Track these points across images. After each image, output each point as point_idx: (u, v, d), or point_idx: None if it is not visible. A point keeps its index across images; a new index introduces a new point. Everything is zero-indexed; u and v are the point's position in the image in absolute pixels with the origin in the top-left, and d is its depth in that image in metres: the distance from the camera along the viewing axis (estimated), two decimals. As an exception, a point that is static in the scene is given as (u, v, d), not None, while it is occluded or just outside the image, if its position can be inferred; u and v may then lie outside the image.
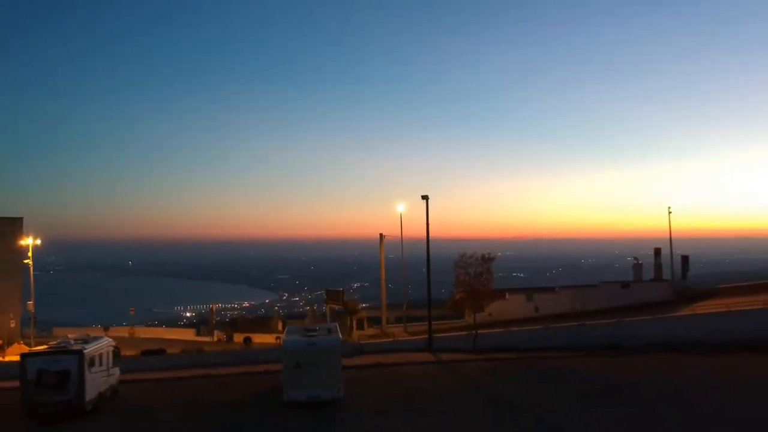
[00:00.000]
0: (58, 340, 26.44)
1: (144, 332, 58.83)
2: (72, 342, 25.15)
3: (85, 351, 23.68)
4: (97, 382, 24.52)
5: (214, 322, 50.34)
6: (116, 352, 27.68)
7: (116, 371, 27.48)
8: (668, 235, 53.70)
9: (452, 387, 27.60)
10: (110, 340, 27.57)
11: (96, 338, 26.73)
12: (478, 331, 35.29)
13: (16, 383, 28.02)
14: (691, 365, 30.71)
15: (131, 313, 62.58)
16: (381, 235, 45.22)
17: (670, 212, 51.93)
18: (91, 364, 24.05)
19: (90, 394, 23.65)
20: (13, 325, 52.31)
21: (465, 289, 37.36)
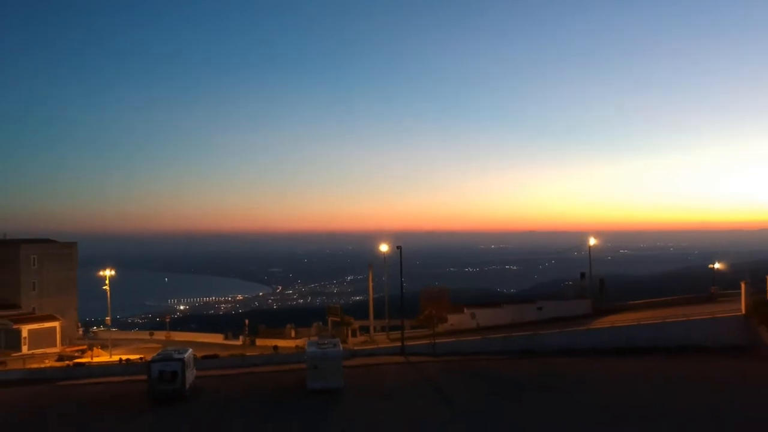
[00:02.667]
0: (162, 350, 42.63)
1: (179, 336, 74.42)
2: (174, 352, 41.28)
3: (184, 358, 39.84)
4: (189, 377, 40.65)
5: (247, 331, 66.03)
6: (194, 357, 43.82)
7: (194, 370, 43.55)
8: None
9: (414, 380, 43.95)
10: (191, 350, 43.65)
11: (184, 350, 42.81)
12: (437, 340, 51.65)
13: (119, 378, 44.35)
14: (575, 366, 47.11)
15: (167, 320, 78.10)
16: (370, 265, 61.37)
17: (590, 247, 67.97)
18: (187, 366, 40.18)
19: (187, 385, 39.79)
20: (81, 332, 68.34)
21: (430, 310, 53.56)
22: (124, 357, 54.01)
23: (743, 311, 51.57)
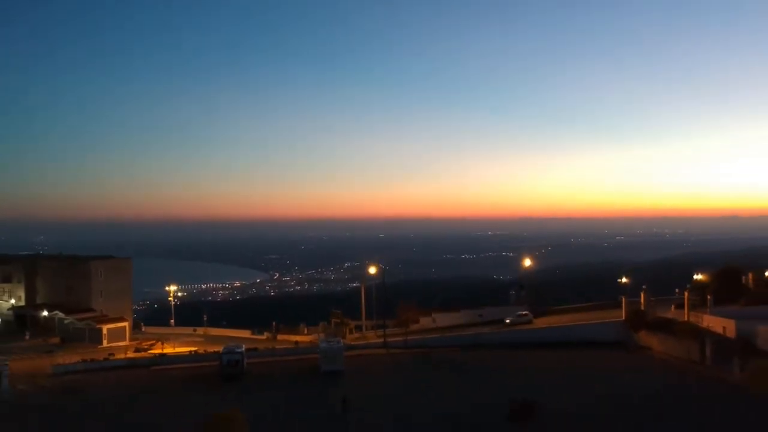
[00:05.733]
0: (227, 346, 67.77)
1: (214, 331, 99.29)
2: (235, 347, 66.47)
3: (243, 351, 65.10)
4: (246, 363, 65.79)
5: (275, 330, 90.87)
6: (246, 350, 68.99)
7: (246, 359, 68.60)
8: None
9: (391, 364, 69.25)
10: (244, 345, 68.75)
11: (240, 345, 67.98)
12: (409, 337, 77.04)
13: (192, 364, 68.97)
14: (504, 355, 72.30)
15: (204, 318, 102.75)
16: (363, 281, 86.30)
17: (527, 266, 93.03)
18: (243, 356, 65.36)
19: (244, 368, 64.96)
20: (144, 330, 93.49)
21: (406, 315, 78.94)
22: (192, 349, 79.09)
23: (624, 317, 76.87)
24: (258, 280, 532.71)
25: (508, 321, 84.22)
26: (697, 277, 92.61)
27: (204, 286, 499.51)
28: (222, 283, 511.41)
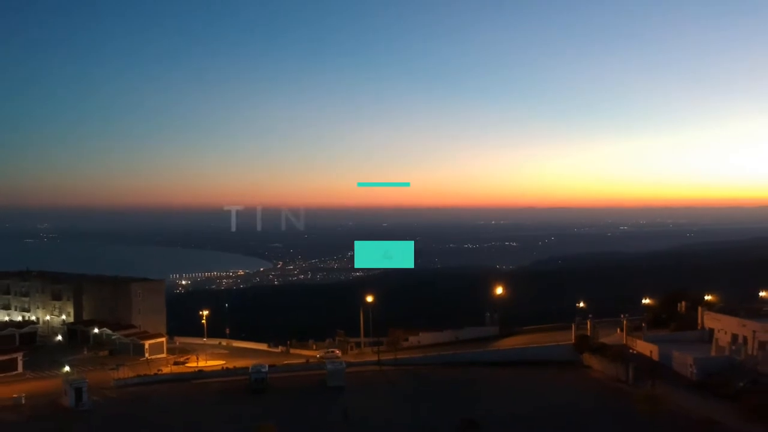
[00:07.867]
0: (254, 365, 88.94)
1: (236, 343, 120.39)
2: (261, 367, 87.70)
3: (267, 369, 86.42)
4: (268, 378, 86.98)
5: (288, 346, 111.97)
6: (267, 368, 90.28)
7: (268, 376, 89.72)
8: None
9: (383, 379, 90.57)
10: (267, 365, 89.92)
11: (264, 365, 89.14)
12: (398, 356, 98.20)
13: (225, 378, 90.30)
14: (473, 372, 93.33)
15: (227, 332, 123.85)
16: (361, 309, 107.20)
17: (500, 292, 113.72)
18: (267, 374, 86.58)
19: (268, 384, 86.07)
20: (177, 342, 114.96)
21: (396, 335, 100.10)
22: (221, 362, 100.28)
23: (573, 340, 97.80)
24: (261, 269, 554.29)
25: (318, 356, 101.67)
26: (645, 301, 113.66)
27: (208, 275, 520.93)
28: (226, 272, 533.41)
